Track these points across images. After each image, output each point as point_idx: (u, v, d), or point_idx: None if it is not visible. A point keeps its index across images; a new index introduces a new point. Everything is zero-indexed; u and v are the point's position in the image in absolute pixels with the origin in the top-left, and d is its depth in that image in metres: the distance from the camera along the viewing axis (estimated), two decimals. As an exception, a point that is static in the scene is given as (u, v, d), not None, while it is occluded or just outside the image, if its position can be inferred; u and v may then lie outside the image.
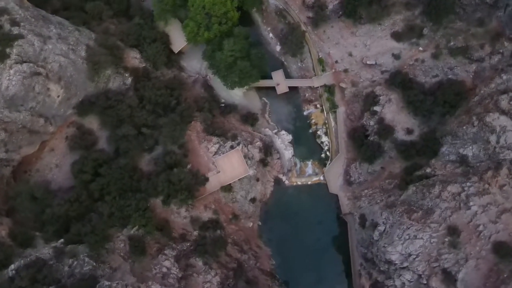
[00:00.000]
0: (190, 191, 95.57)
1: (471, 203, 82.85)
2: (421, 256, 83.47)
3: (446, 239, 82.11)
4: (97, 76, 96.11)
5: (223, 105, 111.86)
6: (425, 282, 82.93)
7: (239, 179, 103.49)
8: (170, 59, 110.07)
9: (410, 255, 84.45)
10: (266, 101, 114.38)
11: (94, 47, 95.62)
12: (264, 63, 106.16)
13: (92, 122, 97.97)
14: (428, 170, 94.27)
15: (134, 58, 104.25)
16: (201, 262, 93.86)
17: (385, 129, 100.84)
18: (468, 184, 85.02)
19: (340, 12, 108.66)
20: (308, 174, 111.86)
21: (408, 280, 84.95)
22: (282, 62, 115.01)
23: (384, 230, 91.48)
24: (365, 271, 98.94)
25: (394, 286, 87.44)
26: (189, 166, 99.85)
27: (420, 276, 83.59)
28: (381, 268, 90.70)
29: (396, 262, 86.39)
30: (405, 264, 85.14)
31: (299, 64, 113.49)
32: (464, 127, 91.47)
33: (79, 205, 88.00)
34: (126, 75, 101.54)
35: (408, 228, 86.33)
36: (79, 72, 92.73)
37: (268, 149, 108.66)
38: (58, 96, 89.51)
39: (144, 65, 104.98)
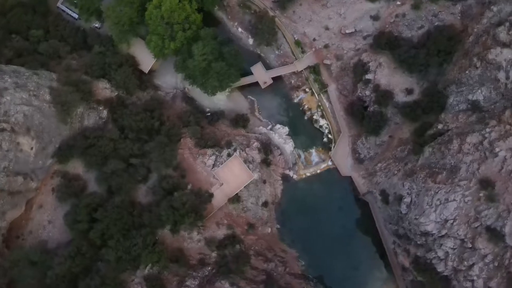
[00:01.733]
0: (197, 212, 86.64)
1: (496, 149, 73.95)
2: (458, 219, 74.63)
3: (481, 194, 73.32)
4: (69, 116, 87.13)
5: (209, 114, 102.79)
6: (470, 246, 74.14)
7: (245, 186, 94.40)
8: (142, 80, 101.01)
9: (446, 221, 75.64)
10: (252, 98, 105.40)
11: (58, 88, 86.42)
12: (239, 59, 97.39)
13: (76, 167, 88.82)
14: (440, 126, 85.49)
15: (104, 88, 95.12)
16: (227, 283, 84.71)
17: (383, 96, 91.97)
18: (487, 130, 76.16)
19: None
20: (315, 162, 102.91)
21: (451, 248, 76.13)
22: (259, 54, 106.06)
23: (411, 201, 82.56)
24: (401, 249, 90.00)
25: (438, 258, 78.67)
26: (189, 186, 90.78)
27: (463, 240, 74.86)
28: (418, 242, 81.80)
29: (433, 232, 77.57)
30: (444, 232, 76.29)
31: (277, 52, 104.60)
32: (467, 72, 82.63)
33: (81, 258, 79.00)
34: (100, 108, 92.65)
35: (436, 192, 77.56)
36: (48, 117, 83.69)
37: (267, 147, 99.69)
38: (32, 149, 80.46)
39: (116, 93, 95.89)
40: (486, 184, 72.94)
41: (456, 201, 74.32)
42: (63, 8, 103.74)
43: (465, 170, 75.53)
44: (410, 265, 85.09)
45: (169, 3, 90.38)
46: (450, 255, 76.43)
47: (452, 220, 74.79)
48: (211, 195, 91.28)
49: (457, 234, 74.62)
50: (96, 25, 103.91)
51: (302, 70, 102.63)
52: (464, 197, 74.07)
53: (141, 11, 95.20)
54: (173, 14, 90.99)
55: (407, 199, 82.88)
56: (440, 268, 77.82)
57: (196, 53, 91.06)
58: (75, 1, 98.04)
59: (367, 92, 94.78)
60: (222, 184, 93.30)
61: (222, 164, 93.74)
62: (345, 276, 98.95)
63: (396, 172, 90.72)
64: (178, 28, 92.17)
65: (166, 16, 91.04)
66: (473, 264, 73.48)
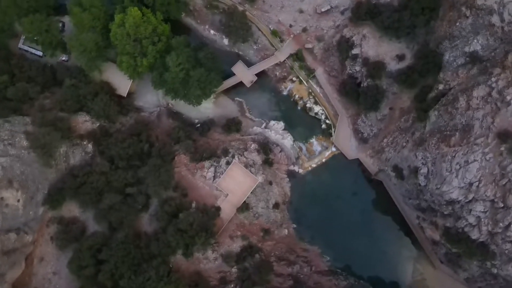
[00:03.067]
0: (207, 230, 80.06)
1: (508, 98, 67.33)
2: (484, 180, 68.05)
3: (502, 149, 66.73)
4: (52, 158, 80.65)
5: (198, 125, 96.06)
6: (502, 205, 67.57)
7: (251, 192, 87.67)
8: (122, 105, 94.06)
9: (471, 184, 69.05)
10: (240, 99, 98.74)
11: (34, 131, 79.93)
12: (217, 62, 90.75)
13: (71, 209, 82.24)
14: (441, 87, 78.96)
15: (84, 121, 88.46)
16: (254, 297, 78.37)
17: (375, 67, 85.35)
18: (493, 79, 69.63)
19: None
20: (318, 151, 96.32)
21: (482, 212, 69.58)
22: (237, 53, 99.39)
23: (428, 172, 76.05)
24: (427, 223, 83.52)
25: (470, 225, 72.12)
26: (193, 205, 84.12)
27: (492, 201, 68.32)
28: (445, 212, 75.27)
29: (459, 198, 71.03)
30: (470, 196, 69.71)
31: (255, 46, 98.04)
32: (457, 24, 76.06)
33: (95, 305, 72.39)
34: (84, 142, 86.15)
35: (454, 156, 71.02)
36: (30, 164, 77.20)
37: (265, 147, 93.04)
38: (19, 201, 73.99)
39: (98, 124, 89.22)
40: (505, 136, 66.38)
41: (477, 161, 67.80)
42: (26, 48, 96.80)
43: (479, 127, 69.02)
44: (441, 238, 78.57)
45: (133, 19, 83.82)
46: (482, 220, 69.90)
47: (477, 182, 68.21)
48: (218, 209, 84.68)
49: (485, 195, 68.06)
50: (63, 58, 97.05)
51: (285, 60, 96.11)
52: (485, 155, 67.54)
53: (106, 34, 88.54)
54: (139, 29, 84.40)
55: (423, 170, 76.39)
56: (474, 235, 71.31)
57: (171, 65, 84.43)
58: (35, 39, 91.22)
59: (357, 68, 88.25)
60: (227, 194, 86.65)
61: (222, 174, 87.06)
62: (374, 261, 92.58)
63: (404, 144, 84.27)
64: (147, 42, 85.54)
65: (132, 33, 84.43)
66: (509, 224, 66.98)
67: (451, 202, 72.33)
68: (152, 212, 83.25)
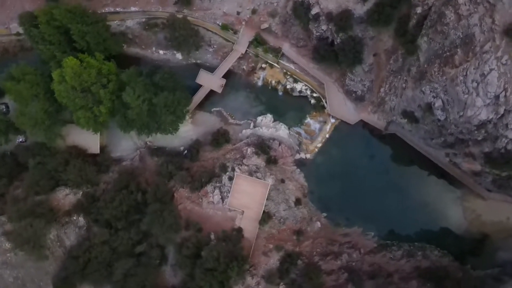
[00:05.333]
0: (237, 257, 69.23)
1: (499, -11, 57.32)
2: (509, 86, 57.48)
3: (516, 44, 56.64)
4: (45, 249, 69.67)
5: (185, 152, 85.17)
6: (539, 107, 57.49)
7: (267, 199, 77.15)
8: (99, 163, 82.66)
9: (497, 97, 58.30)
10: (217, 109, 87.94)
11: (13, 229, 68.97)
12: (177, 80, 79.92)
13: (84, 293, 71.38)
14: (419, 10, 68.19)
15: (65, 196, 77.52)
16: (315, 307, 67.66)
17: (342, 19, 74.35)
18: (473, -24, 59.53)
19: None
20: (318, 129, 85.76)
21: (520, 122, 59.39)
22: (195, 63, 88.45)
23: (443, 103, 65.38)
24: (459, 157, 73.14)
25: (509, 140, 61.65)
26: (212, 236, 73.33)
27: (528, 105, 58.14)
28: (478, 138, 64.47)
29: (490, 117, 60.30)
30: (502, 110, 58.88)
31: (210, 49, 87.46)
32: None
33: None
34: (74, 218, 75.32)
35: (465, 75, 60.41)
36: (21, 265, 66.32)
37: (262, 146, 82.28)
38: (24, 310, 62.92)
39: (80, 192, 78.18)
40: (512, 31, 56.25)
41: (494, 70, 57.09)
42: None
43: (480, 33, 58.46)
44: (484, 166, 68.05)
45: (71, 69, 72.95)
46: (522, 130, 59.68)
47: (503, 92, 57.42)
48: (239, 231, 74.01)
49: (517, 103, 57.82)
50: (20, 140, 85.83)
51: (246, 50, 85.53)
52: (499, 60, 56.86)
53: (51, 97, 77.41)
54: (82, 77, 73.52)
55: (437, 103, 65.84)
56: (520, 149, 61.03)
57: (130, 101, 73.57)
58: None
59: (323, 27, 77.62)
60: (243, 211, 76.01)
61: (229, 192, 76.42)
62: (419, 217, 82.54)
63: (404, 85, 73.84)
64: (96, 88, 74.69)
65: (77, 84, 73.57)
66: (555, 122, 56.84)
67: (481, 124, 61.84)
68: (172, 262, 72.42)
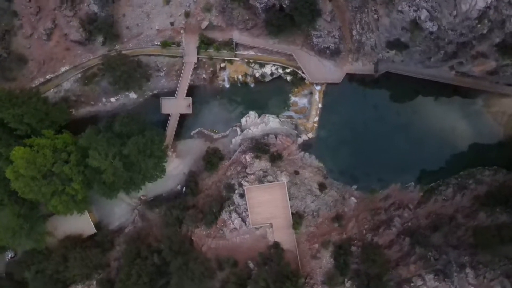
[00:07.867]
0: (287, 275, 58.39)
1: None
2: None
3: None
4: None
5: (184, 189, 74.22)
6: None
7: (289, 199, 66.22)
8: (100, 243, 71.28)
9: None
10: (196, 130, 76.75)
11: None
12: (140, 120, 69.09)
13: None
14: None
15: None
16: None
17: (280, -22, 64.55)
18: None
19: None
20: (307, 103, 74.97)
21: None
22: (152, 94, 77.49)
23: (428, 11, 54.75)
24: (467, 63, 63.75)
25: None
26: (251, 265, 62.35)
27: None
28: (483, 32, 53.61)
29: (488, 1, 49.69)
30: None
31: (161, 73, 76.29)
32: None
33: None
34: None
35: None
36: None
37: (259, 146, 71.14)
38: None
39: (93, 282, 67.68)
40: None
41: None
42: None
43: None
44: (499, 59, 57.60)
45: (23, 160, 61.61)
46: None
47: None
48: (276, 245, 62.98)
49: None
50: (10, 256, 74.73)
51: (198, 58, 74.83)
52: None
53: (16, 198, 65.88)
54: (38, 163, 62.26)
55: (423, 15, 55.13)
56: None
57: (100, 163, 62.43)
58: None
59: (267, -4, 67.25)
60: (271, 223, 65.03)
61: (246, 210, 65.44)
62: (453, 144, 72.80)
63: (376, 16, 63.36)
64: (58, 167, 63.20)
65: (35, 172, 62.16)
66: None
67: (482, 15, 51.45)
68: (221, 311, 61.41)
